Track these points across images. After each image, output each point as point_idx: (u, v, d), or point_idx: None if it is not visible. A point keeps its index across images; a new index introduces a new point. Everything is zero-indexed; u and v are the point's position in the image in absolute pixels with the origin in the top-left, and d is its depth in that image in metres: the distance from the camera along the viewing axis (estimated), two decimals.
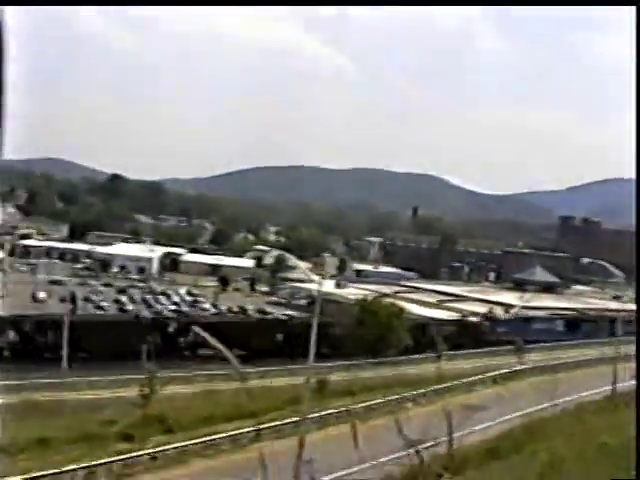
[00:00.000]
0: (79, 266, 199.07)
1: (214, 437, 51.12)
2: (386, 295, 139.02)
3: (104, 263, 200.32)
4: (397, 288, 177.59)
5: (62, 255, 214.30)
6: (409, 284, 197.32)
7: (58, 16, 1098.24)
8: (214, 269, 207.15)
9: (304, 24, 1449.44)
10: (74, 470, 43.09)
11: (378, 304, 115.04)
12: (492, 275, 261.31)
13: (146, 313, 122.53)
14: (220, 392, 67.38)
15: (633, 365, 28.85)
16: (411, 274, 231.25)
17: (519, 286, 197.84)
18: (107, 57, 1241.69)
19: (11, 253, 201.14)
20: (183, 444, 49.01)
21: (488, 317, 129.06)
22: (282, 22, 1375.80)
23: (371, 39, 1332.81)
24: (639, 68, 11.24)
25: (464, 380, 76.42)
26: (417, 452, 34.32)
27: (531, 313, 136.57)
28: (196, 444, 49.41)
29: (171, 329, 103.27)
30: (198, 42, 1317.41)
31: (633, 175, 13.51)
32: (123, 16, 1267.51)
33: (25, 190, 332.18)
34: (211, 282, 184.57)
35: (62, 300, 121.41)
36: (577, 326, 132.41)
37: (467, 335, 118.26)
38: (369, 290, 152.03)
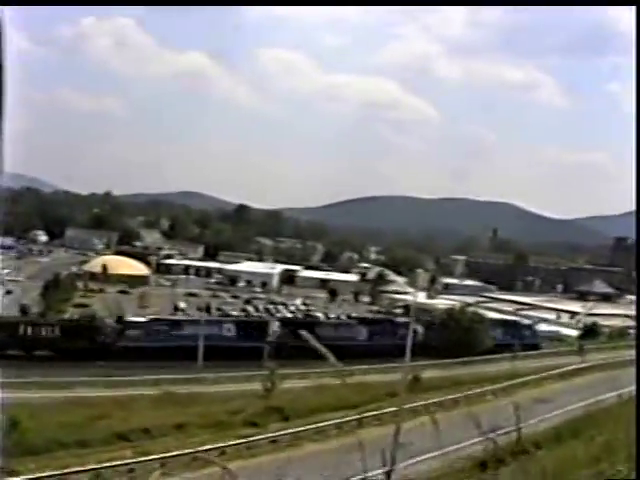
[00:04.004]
0: (212, 281, 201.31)
1: (323, 424, 51.10)
2: (469, 304, 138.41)
3: (232, 278, 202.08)
4: (479, 298, 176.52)
5: (197, 271, 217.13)
6: (489, 295, 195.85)
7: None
8: (324, 283, 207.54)
9: (399, 80, 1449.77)
10: (208, 450, 43.42)
11: (463, 312, 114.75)
12: (559, 287, 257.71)
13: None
14: (329, 387, 67.54)
15: None
16: (490, 287, 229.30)
17: (582, 296, 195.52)
18: (231, 111, 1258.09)
19: (156, 270, 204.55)
20: (297, 430, 49.11)
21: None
22: (379, 77, 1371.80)
23: (451, 91, 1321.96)
24: (639, 68, 10.86)
25: (535, 376, 75.39)
26: (494, 437, 33.99)
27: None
28: (308, 430, 49.47)
29: (287, 332, 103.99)
30: (307, 95, 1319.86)
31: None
32: (238, 70, 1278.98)
33: (168, 218, 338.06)
34: (322, 294, 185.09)
35: (198, 309, 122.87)
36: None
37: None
38: (455, 300, 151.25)
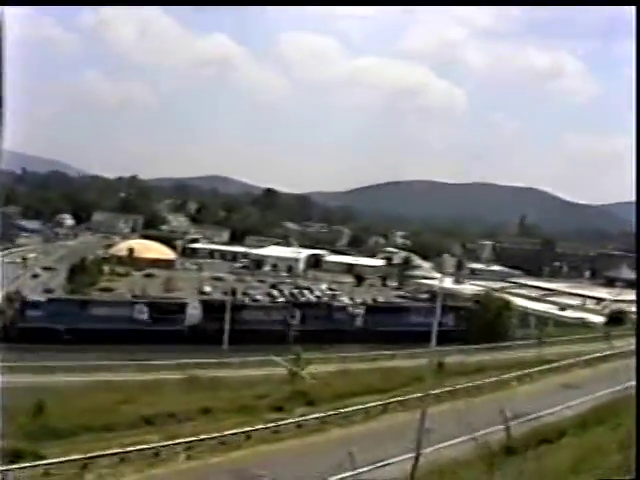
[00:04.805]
0: (237, 265, 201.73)
1: (348, 409, 51.06)
2: (496, 290, 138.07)
3: (258, 263, 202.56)
4: (505, 284, 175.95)
5: (223, 256, 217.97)
6: (515, 281, 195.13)
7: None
8: (350, 268, 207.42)
9: (425, 66, 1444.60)
10: (235, 434, 43.52)
11: (489, 297, 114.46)
12: (587, 273, 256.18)
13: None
14: (353, 371, 67.61)
15: None
16: (517, 272, 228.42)
17: (609, 282, 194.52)
18: (258, 96, 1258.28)
19: (182, 254, 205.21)
20: (323, 415, 49.09)
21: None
22: (405, 61, 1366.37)
23: (478, 76, 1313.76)
24: (639, 68, 10.81)
25: (562, 363, 75.04)
26: (517, 424, 33.88)
27: None
28: (333, 415, 49.44)
29: (314, 316, 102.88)
30: (334, 80, 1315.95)
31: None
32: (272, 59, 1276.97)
33: (195, 202, 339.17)
34: (348, 279, 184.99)
35: (224, 293, 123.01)
36: None
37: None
38: (481, 286, 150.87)
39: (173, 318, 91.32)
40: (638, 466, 11.84)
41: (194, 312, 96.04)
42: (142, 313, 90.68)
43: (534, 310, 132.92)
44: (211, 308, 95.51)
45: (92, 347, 74.73)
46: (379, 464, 36.52)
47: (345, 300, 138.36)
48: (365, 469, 33.88)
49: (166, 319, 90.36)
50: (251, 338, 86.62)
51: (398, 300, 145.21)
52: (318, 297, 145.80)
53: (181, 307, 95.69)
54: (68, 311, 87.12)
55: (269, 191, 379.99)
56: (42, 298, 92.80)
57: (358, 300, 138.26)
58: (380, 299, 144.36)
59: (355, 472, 31.99)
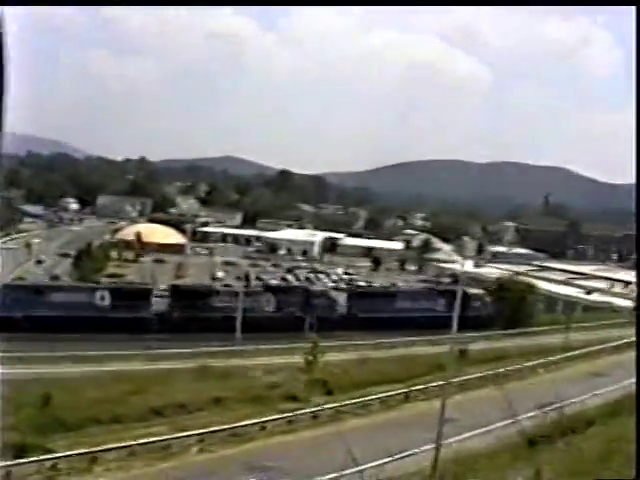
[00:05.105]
0: (251, 249, 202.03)
1: (366, 399, 51.17)
2: (519, 273, 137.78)
3: (272, 246, 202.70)
4: (529, 267, 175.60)
5: (236, 240, 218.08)
6: (540, 264, 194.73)
7: None
8: (368, 251, 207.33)
9: (446, 40, 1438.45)
10: (247, 425, 43.66)
11: (512, 282, 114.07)
12: (614, 256, 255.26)
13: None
14: (372, 359, 67.56)
15: None
16: (541, 255, 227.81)
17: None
18: (271, 73, 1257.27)
19: (192, 238, 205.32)
20: (340, 404, 49.20)
21: None
22: (425, 36, 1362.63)
23: (501, 50, 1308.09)
24: (639, 68, 10.83)
25: (589, 349, 74.98)
26: (544, 414, 33.86)
27: None
28: (351, 405, 49.56)
29: (333, 301, 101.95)
30: (349, 55, 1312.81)
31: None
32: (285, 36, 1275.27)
33: (205, 184, 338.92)
34: (365, 262, 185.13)
35: (237, 278, 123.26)
36: None
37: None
38: (504, 269, 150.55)
39: (137, 305, 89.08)
40: (638, 466, 11.91)
41: (161, 299, 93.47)
42: (103, 300, 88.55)
43: (559, 294, 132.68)
44: (181, 294, 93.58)
45: (50, 336, 72.16)
46: (398, 456, 36.59)
47: (362, 284, 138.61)
48: (381, 462, 33.91)
49: (129, 306, 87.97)
50: (225, 326, 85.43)
51: (416, 285, 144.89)
52: (335, 281, 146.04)
53: (146, 293, 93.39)
54: (24, 298, 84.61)
55: (283, 172, 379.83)
56: None
57: (376, 285, 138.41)
58: (400, 284, 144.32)
59: (372, 464, 32.10)
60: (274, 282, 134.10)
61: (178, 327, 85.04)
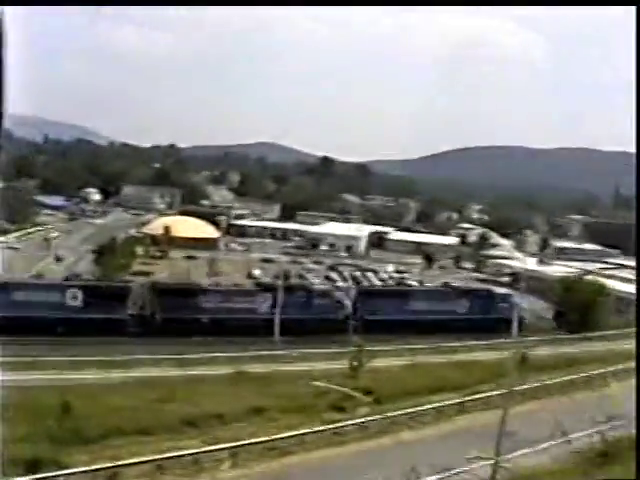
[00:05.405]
0: (290, 244, 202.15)
1: (420, 409, 51.45)
2: (589, 272, 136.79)
3: (314, 242, 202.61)
4: (600, 265, 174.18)
5: (274, 234, 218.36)
6: (611, 261, 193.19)
7: None
8: (419, 247, 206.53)
9: (500, 15, 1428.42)
10: (286, 438, 44.08)
11: (581, 281, 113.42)
12: None
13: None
14: (425, 365, 67.78)
15: None
16: (613, 251, 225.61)
17: None
18: (310, 54, 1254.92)
19: (226, 232, 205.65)
20: (390, 415, 49.52)
21: None
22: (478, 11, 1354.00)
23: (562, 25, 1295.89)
24: (639, 68, 11.11)
25: None
26: (612, 428, 34.00)
27: None
28: (403, 415, 49.87)
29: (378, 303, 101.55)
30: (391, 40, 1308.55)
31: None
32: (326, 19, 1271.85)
33: (239, 173, 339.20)
34: (416, 260, 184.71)
35: (276, 277, 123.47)
36: None
37: None
38: (571, 267, 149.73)
39: (112, 305, 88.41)
40: (638, 466, 12.35)
41: (141, 298, 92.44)
42: (75, 299, 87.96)
43: (633, 295, 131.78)
44: (162, 293, 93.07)
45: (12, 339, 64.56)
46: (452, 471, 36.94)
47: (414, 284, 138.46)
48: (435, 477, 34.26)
49: (104, 305, 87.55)
50: (220, 330, 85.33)
51: (473, 284, 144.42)
52: (382, 280, 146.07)
53: (123, 292, 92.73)
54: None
55: (325, 159, 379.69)
56: None
57: (429, 284, 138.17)
58: (455, 283, 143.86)
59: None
60: (316, 281, 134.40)
61: (158, 330, 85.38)
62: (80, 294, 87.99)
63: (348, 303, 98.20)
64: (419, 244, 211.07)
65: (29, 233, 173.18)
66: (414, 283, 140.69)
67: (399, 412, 50.40)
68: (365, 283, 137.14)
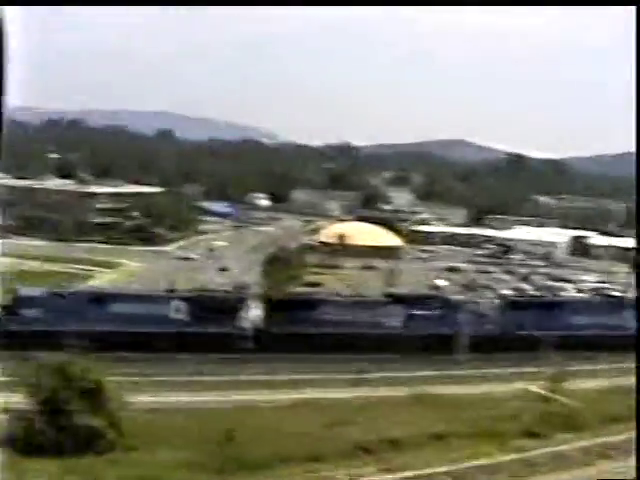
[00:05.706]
0: (479, 252, 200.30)
1: (626, 438, 49.74)
2: None
3: (505, 249, 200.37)
4: None
5: (460, 241, 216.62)
6: None
7: None
8: (627, 255, 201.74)
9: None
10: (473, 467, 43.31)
11: None
12: None
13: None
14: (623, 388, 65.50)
15: None
16: None
17: None
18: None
19: (408, 239, 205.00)
20: (589, 444, 48.10)
21: None
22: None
23: None
24: (639, 68, 11.16)
25: None
26: None
27: None
28: (603, 445, 48.33)
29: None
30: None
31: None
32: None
33: (422, 174, 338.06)
34: (624, 269, 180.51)
35: (463, 287, 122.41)
36: None
37: None
38: None
39: (222, 318, 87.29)
40: (638, 466, 11.84)
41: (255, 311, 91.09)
42: (179, 311, 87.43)
43: None
44: (279, 306, 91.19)
45: (109, 355, 64.35)
46: None
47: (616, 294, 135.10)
48: None
49: (213, 319, 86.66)
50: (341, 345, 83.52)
51: None
52: (581, 291, 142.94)
53: (236, 304, 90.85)
54: (76, 309, 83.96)
55: (516, 157, 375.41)
56: (38, 293, 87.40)
57: (630, 296, 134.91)
58: None
59: None
60: (507, 292, 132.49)
61: (277, 347, 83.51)
62: (184, 306, 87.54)
63: (492, 316, 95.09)
64: (628, 251, 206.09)
65: (191, 244, 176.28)
66: (618, 295, 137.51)
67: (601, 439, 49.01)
68: (562, 294, 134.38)
